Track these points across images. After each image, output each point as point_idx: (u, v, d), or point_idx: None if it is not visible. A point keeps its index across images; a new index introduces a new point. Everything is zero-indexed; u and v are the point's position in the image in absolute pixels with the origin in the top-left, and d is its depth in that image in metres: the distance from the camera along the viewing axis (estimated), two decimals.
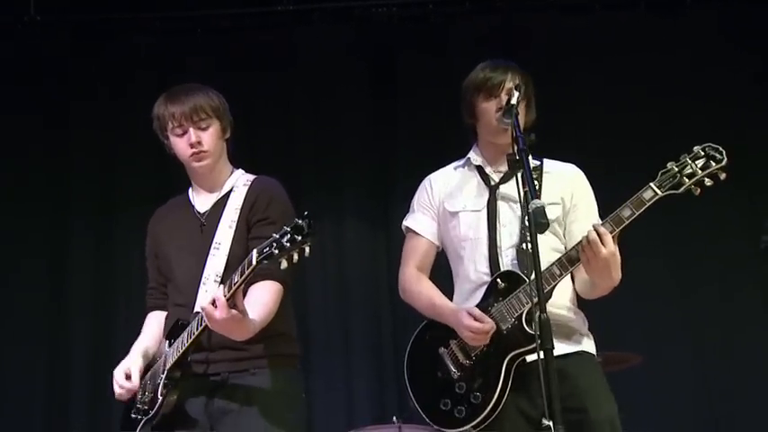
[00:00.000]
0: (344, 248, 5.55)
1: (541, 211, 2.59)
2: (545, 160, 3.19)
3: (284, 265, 2.60)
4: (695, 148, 2.87)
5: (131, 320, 4.74)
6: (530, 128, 3.10)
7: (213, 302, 2.70)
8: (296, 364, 3.09)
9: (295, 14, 5.54)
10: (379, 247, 5.47)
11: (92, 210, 5.53)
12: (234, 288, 2.70)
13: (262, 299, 2.90)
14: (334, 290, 5.46)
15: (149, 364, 3.08)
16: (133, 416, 3.03)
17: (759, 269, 5.15)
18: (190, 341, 2.86)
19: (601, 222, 2.88)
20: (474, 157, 3.22)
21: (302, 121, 5.67)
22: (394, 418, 4.33)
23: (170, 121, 3.05)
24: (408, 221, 3.30)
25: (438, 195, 3.24)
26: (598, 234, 2.81)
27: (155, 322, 3.20)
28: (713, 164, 2.83)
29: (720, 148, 2.85)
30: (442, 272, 3.30)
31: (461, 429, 2.95)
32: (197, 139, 3.03)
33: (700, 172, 2.84)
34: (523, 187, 2.70)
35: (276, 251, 2.59)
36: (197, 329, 2.84)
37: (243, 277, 2.69)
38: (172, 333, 3.00)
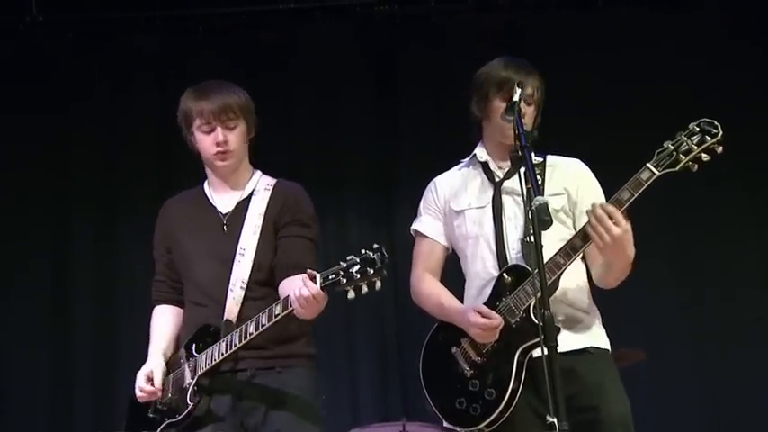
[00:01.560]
0: (347, 247, 5.49)
1: (544, 208, 2.59)
2: (548, 156, 3.18)
3: (351, 295, 2.66)
4: (690, 124, 2.85)
5: (134, 319, 4.77)
6: (535, 129, 3.10)
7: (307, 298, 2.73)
8: (315, 364, 3.14)
9: (297, 13, 5.54)
10: (383, 246, 5.45)
11: (93, 208, 5.53)
12: (275, 320, 2.78)
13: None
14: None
15: (167, 363, 3.10)
16: (152, 415, 3.04)
17: (763, 266, 5.14)
18: (229, 352, 2.90)
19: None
20: (480, 153, 3.22)
21: (304, 119, 5.66)
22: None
23: (198, 118, 3.05)
24: (416, 225, 3.31)
25: (443, 196, 3.25)
26: (606, 211, 2.79)
27: (165, 319, 3.20)
28: (709, 138, 2.81)
29: (715, 123, 2.83)
30: (450, 275, 3.29)
31: (478, 427, 2.95)
32: (224, 139, 3.04)
33: (696, 148, 2.81)
34: (526, 184, 2.69)
35: (344, 280, 2.64)
36: (240, 341, 2.87)
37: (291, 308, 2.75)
38: (199, 336, 3.02)
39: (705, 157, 2.81)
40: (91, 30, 5.57)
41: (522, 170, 2.72)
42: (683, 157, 2.82)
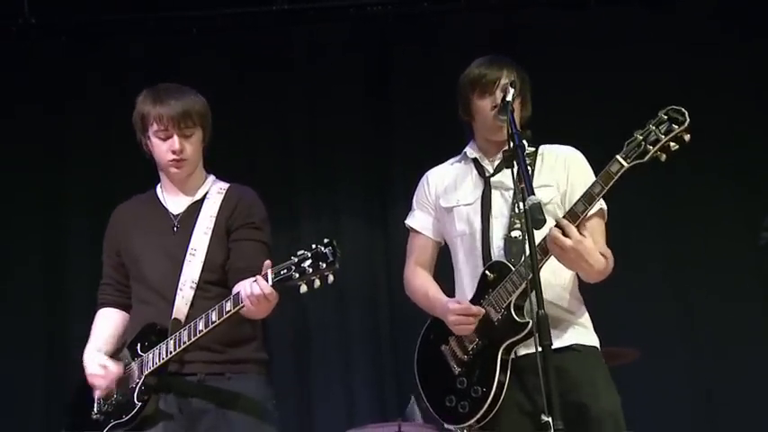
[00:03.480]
0: (341, 247, 5.53)
1: (538, 207, 2.60)
2: (541, 145, 3.15)
3: (304, 289, 2.63)
4: (659, 112, 2.80)
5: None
6: (525, 124, 3.09)
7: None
8: (267, 371, 3.09)
9: (290, 13, 5.53)
10: (377, 246, 5.47)
11: (88, 209, 5.52)
12: (226, 317, 2.75)
13: None
14: (332, 289, 5.42)
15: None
16: (96, 416, 2.99)
17: (757, 266, 5.15)
18: (178, 350, 2.85)
19: (573, 204, 2.86)
20: (470, 150, 3.22)
21: (298, 119, 5.66)
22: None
23: (155, 123, 3.01)
24: (409, 220, 3.32)
25: (434, 192, 3.24)
26: (561, 228, 2.79)
27: (107, 320, 3.16)
28: (675, 126, 2.75)
29: (683, 110, 2.77)
30: (444, 270, 3.30)
31: (467, 424, 2.95)
32: (180, 147, 3.00)
33: (663, 137, 2.76)
34: (520, 184, 2.69)
35: (296, 274, 2.61)
36: (188, 339, 2.83)
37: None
38: (144, 334, 2.97)
39: (673, 146, 2.75)
40: (84, 32, 5.56)
41: (515, 169, 2.72)
42: (651, 147, 2.77)
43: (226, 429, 2.90)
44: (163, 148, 3.03)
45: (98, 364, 2.98)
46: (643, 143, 2.79)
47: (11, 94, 5.50)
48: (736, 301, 5.23)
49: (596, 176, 2.90)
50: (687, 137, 2.76)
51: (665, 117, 2.78)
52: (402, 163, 5.42)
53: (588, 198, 2.83)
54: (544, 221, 2.62)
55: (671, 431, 5.00)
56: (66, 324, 5.33)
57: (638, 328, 5.11)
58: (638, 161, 2.79)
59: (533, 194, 2.65)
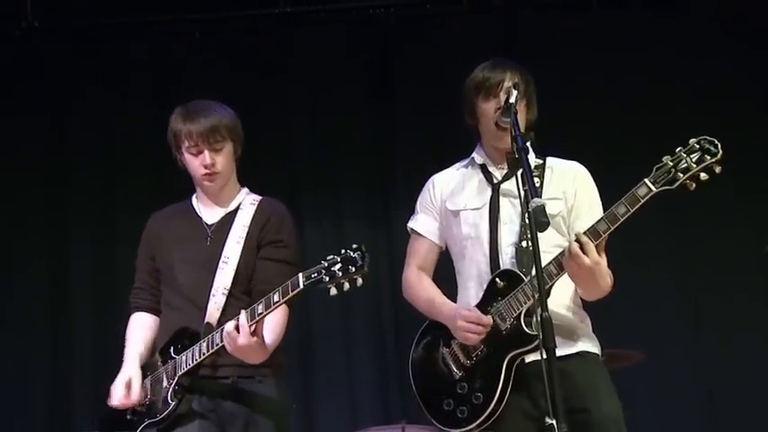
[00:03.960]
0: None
1: (542, 209, 2.59)
2: (548, 158, 3.18)
3: (334, 292, 2.74)
4: (690, 141, 2.82)
5: None
6: (530, 127, 3.09)
7: (236, 328, 2.82)
8: (285, 374, 3.21)
9: (293, 16, 5.53)
10: (380, 248, 5.46)
11: (90, 211, 5.54)
12: (258, 318, 2.82)
13: (274, 321, 3.02)
14: None
15: (143, 366, 3.14)
16: (130, 417, 3.09)
17: (761, 268, 5.14)
18: (210, 352, 2.94)
19: (594, 222, 2.85)
20: (477, 156, 3.22)
21: (301, 121, 5.66)
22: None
23: (186, 140, 3.11)
24: (411, 223, 3.31)
25: (440, 195, 3.24)
26: (580, 244, 2.79)
27: (142, 325, 3.25)
28: (708, 157, 2.77)
29: (716, 141, 2.79)
30: (441, 274, 3.30)
31: (464, 429, 2.95)
32: (211, 162, 3.12)
33: (694, 166, 2.78)
34: (523, 186, 2.69)
35: (326, 278, 2.71)
36: (220, 342, 2.91)
37: (284, 299, 2.79)
38: (176, 338, 3.06)
39: (704, 176, 2.78)
40: (87, 35, 5.57)
41: (519, 172, 2.72)
42: (681, 175, 2.78)
43: (255, 430, 3.01)
44: (195, 164, 3.14)
45: (124, 383, 3.07)
46: (673, 170, 2.80)
47: (14, 97, 5.51)
48: (740, 302, 5.23)
49: (602, 189, 2.90)
50: (718, 169, 2.78)
51: (697, 146, 2.80)
52: (405, 165, 5.42)
53: (612, 219, 2.82)
54: (548, 224, 2.62)
55: None
56: (70, 327, 5.35)
57: (642, 330, 5.12)
58: (666, 187, 2.80)
59: (538, 197, 2.64)
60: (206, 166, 3.11)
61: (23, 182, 5.50)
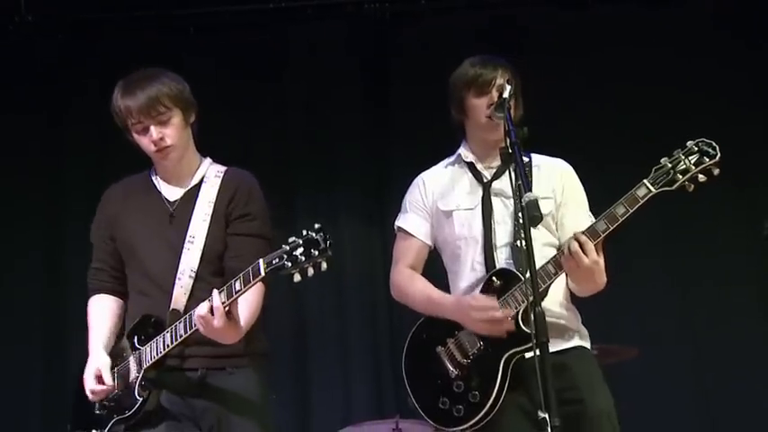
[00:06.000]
0: (340, 247, 5.53)
1: (534, 203, 2.60)
2: (533, 155, 3.17)
3: (298, 278, 2.56)
4: (688, 143, 2.86)
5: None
6: (518, 123, 3.07)
7: (211, 311, 2.66)
8: (267, 364, 3.05)
9: (287, 11, 5.53)
10: (375, 245, 5.46)
11: (87, 207, 5.50)
12: (234, 297, 2.67)
13: (248, 300, 2.84)
14: (331, 288, 5.44)
15: (110, 354, 2.99)
16: (98, 412, 2.95)
17: (756, 265, 5.15)
18: (175, 343, 2.80)
19: (594, 221, 2.87)
20: (465, 153, 3.21)
21: (296, 117, 5.66)
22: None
23: (128, 117, 2.91)
24: (400, 221, 3.29)
25: (431, 195, 3.22)
26: (579, 243, 2.80)
27: (104, 309, 3.07)
28: (706, 159, 2.83)
29: (713, 144, 2.84)
30: (427, 273, 3.28)
31: (460, 428, 2.95)
32: (159, 136, 2.90)
33: (693, 168, 2.83)
34: (516, 181, 2.70)
35: (288, 263, 2.55)
36: (185, 332, 2.78)
37: (247, 287, 2.65)
38: (140, 327, 2.92)
39: (702, 177, 2.83)
40: (81, 29, 5.56)
41: (512, 167, 2.72)
42: (680, 177, 2.84)
43: (228, 427, 2.87)
44: (145, 141, 2.93)
45: (95, 375, 2.92)
46: (671, 171, 2.85)
47: (8, 92, 5.49)
48: (734, 299, 5.24)
49: (588, 186, 2.91)
50: (716, 171, 2.83)
51: (696, 148, 2.85)
52: (400, 163, 5.40)
53: (611, 219, 2.85)
54: (541, 218, 2.63)
55: (669, 428, 5.01)
56: (64, 323, 5.33)
57: (636, 326, 5.13)
58: (665, 188, 2.85)
59: (530, 191, 2.65)
60: (155, 143, 2.89)
61: (18, 176, 5.48)
